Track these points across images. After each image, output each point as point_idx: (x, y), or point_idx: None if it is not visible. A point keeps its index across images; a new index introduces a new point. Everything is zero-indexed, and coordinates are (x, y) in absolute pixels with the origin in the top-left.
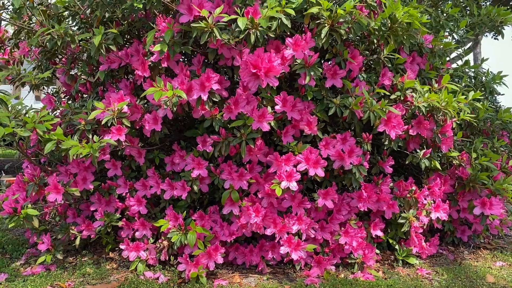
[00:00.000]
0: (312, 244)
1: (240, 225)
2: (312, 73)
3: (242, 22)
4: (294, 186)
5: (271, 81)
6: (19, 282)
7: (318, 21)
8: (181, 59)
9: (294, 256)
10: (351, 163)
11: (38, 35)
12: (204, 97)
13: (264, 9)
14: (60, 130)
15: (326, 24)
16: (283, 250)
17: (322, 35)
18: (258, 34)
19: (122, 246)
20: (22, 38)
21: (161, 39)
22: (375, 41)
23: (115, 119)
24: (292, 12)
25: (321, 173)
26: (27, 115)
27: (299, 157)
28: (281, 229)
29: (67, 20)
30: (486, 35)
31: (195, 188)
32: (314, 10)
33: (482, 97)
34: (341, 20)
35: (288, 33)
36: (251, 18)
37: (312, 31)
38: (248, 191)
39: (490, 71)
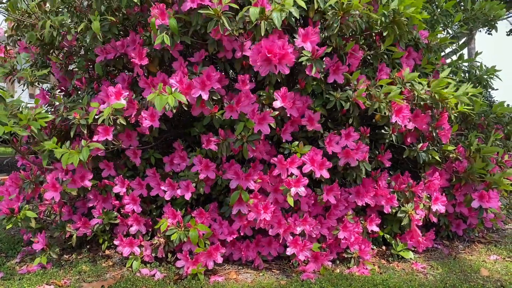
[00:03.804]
0: (309, 240)
1: (243, 225)
2: (318, 66)
3: (253, 14)
4: (302, 191)
5: (283, 69)
6: (15, 280)
7: (328, 13)
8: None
9: (301, 257)
10: (357, 160)
11: (36, 29)
12: (205, 96)
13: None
14: (54, 140)
15: (338, 16)
16: (289, 251)
17: (334, 27)
18: (267, 25)
19: (116, 242)
20: (20, 35)
21: (158, 28)
22: (373, 35)
23: (111, 118)
24: (303, 5)
25: (326, 174)
26: (21, 112)
27: (304, 158)
28: (285, 230)
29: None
30: (480, 31)
31: (201, 190)
32: (332, 1)
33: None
34: (352, 12)
35: (293, 25)
36: (261, 8)
37: (315, 24)
38: (252, 189)
39: (484, 65)
